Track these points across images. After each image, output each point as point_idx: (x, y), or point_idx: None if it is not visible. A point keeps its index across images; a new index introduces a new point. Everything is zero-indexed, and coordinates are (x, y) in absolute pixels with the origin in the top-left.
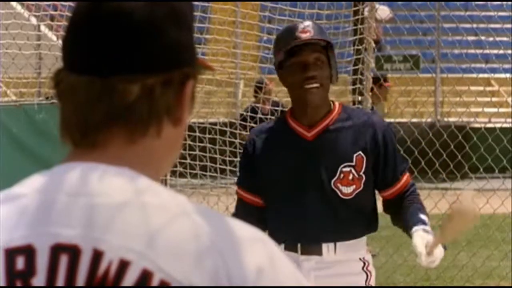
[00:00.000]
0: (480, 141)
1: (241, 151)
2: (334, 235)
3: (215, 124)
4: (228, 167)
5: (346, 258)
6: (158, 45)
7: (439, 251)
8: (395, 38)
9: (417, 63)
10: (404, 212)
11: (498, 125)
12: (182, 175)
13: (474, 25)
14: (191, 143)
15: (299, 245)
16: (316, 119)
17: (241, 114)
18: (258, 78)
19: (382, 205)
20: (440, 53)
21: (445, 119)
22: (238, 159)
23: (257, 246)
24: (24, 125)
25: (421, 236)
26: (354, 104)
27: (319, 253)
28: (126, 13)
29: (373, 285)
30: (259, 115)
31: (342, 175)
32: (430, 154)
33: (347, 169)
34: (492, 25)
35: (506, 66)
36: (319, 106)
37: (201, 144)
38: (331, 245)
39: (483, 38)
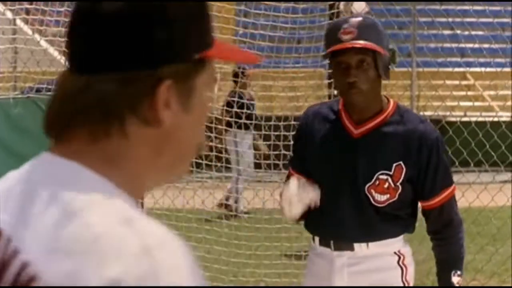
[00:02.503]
0: (455, 134)
1: (217, 145)
2: (366, 237)
3: None
4: (204, 162)
5: (380, 252)
6: (114, 44)
7: None
8: None
9: (393, 57)
10: (438, 258)
11: (473, 119)
12: None
13: (450, 19)
14: None
15: (331, 242)
16: (365, 117)
17: (227, 101)
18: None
19: (421, 212)
20: (416, 47)
21: (421, 113)
22: (214, 153)
23: (134, 258)
24: (0, 119)
25: None
26: (329, 98)
27: (351, 249)
28: (93, 11)
29: (411, 279)
30: (245, 101)
31: (377, 182)
32: None
33: (384, 177)
34: (468, 19)
35: (482, 60)
36: (366, 106)
37: None
38: (364, 244)
39: (458, 32)
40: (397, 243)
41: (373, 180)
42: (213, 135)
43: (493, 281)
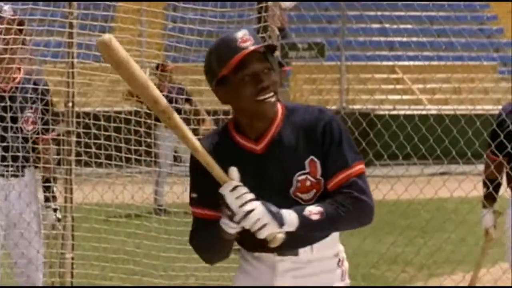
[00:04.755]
0: (384, 128)
1: (146, 139)
2: (309, 239)
3: (120, 112)
4: (133, 156)
5: (322, 256)
6: None
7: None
8: (299, 26)
9: (322, 51)
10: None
11: (402, 112)
12: (87, 164)
13: (379, 13)
14: (96, 131)
15: (274, 252)
16: (263, 129)
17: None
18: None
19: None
20: (345, 40)
21: (350, 107)
22: (143, 148)
23: None
24: None
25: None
26: None
27: (296, 254)
28: None
29: (347, 278)
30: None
31: (298, 184)
32: None
33: (302, 177)
34: (397, 13)
35: (410, 53)
36: (270, 116)
37: (106, 133)
38: (308, 248)
39: (387, 25)
40: (336, 244)
41: (294, 183)
42: (142, 129)
43: (422, 273)
